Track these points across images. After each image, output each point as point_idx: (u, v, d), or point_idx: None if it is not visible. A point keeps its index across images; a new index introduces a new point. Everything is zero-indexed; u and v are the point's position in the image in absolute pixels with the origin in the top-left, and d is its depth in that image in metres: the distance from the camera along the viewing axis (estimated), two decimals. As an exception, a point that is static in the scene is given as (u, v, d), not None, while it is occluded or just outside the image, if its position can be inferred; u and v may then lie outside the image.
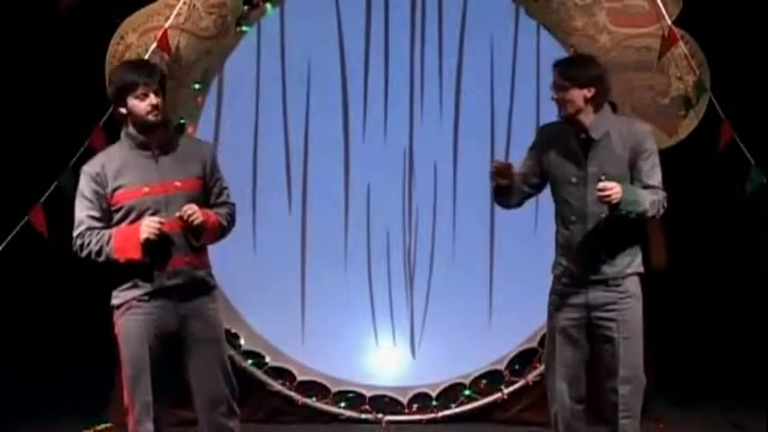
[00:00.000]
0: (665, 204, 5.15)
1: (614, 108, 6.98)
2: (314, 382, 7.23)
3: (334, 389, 7.22)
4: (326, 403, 7.18)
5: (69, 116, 7.11)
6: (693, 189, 7.47)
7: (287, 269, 7.34)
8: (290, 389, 7.18)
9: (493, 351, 7.21)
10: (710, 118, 6.59)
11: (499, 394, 7.05)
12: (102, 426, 6.93)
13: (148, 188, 4.88)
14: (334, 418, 7.16)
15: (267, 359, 7.21)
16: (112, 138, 6.41)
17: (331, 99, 7.38)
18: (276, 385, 7.15)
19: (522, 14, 7.14)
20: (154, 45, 6.54)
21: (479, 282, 7.32)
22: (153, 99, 4.87)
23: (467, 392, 7.20)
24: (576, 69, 5.12)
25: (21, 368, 7.69)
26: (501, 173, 5.14)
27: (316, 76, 7.36)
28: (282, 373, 7.22)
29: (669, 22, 6.54)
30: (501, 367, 7.17)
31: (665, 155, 6.85)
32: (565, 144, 5.13)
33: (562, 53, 7.08)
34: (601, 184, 4.89)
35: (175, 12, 6.61)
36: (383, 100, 7.38)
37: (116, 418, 6.95)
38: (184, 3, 6.62)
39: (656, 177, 5.12)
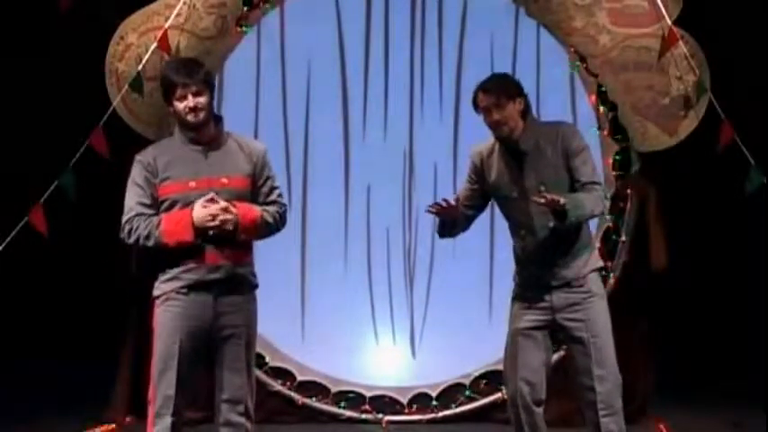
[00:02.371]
0: (606, 197, 5.13)
1: (614, 108, 7.03)
2: (314, 382, 7.24)
3: (334, 389, 7.22)
4: (326, 403, 7.18)
5: (69, 116, 7.11)
6: (693, 189, 7.48)
7: (287, 269, 7.34)
8: (290, 389, 7.18)
9: (493, 351, 7.18)
10: (710, 118, 6.59)
11: (499, 394, 7.04)
12: (102, 426, 6.93)
13: (195, 183, 4.86)
14: (334, 418, 7.17)
15: (267, 359, 7.21)
16: (112, 138, 6.46)
17: (331, 99, 7.38)
18: (276, 385, 7.15)
19: (522, 14, 7.14)
20: (154, 45, 6.54)
21: (479, 281, 7.32)
22: (190, 101, 4.86)
23: (467, 392, 7.21)
24: (504, 84, 5.13)
25: (21, 368, 7.69)
26: (446, 211, 5.06)
27: (316, 76, 7.37)
28: (282, 373, 7.22)
29: (669, 22, 6.55)
30: (501, 367, 7.15)
31: (665, 155, 6.92)
32: (499, 161, 5.15)
33: (562, 53, 7.10)
34: (540, 198, 4.83)
35: (175, 12, 6.62)
36: (383, 100, 7.39)
37: (116, 418, 6.97)
38: (184, 3, 6.63)
39: (587, 173, 5.03)
